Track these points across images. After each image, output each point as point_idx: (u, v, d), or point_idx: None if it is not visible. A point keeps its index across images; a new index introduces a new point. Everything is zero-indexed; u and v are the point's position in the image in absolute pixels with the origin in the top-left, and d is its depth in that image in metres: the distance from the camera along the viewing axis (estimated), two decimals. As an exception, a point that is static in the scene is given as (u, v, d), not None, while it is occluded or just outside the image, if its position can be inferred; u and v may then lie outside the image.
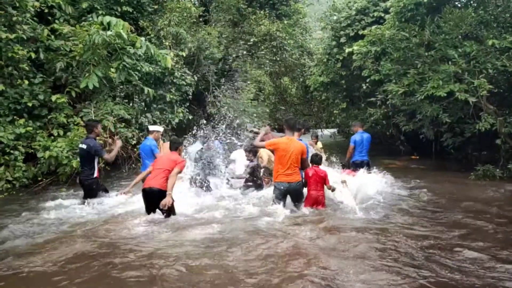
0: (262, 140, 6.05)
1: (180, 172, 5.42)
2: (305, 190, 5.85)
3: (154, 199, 5.13)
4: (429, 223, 5.10)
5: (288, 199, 5.70)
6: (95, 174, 6.21)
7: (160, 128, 7.33)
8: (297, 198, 5.72)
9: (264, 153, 7.06)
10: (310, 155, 6.19)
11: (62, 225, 5.14)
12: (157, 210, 5.19)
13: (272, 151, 5.79)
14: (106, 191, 6.60)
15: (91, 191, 6.22)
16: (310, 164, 5.89)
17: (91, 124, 6.47)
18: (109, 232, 4.75)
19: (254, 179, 7.03)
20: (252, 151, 7.02)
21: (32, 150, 7.33)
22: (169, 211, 5.17)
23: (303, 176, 5.82)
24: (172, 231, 4.75)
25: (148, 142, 6.88)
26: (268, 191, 6.32)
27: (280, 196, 5.58)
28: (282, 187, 5.52)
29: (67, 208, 5.95)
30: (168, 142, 6.11)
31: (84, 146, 6.11)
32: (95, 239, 4.45)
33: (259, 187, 6.97)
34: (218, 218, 5.35)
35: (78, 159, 6.96)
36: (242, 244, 4.19)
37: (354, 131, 8.51)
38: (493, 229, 4.84)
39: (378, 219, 5.25)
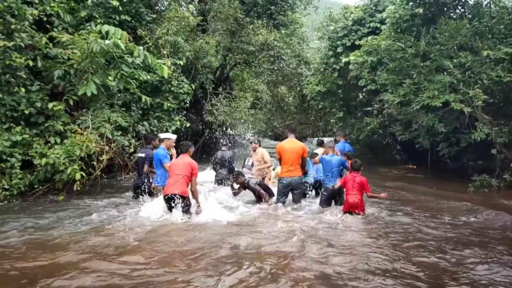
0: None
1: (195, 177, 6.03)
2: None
3: (174, 202, 5.73)
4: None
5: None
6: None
7: (171, 136, 7.00)
8: (297, 193, 6.55)
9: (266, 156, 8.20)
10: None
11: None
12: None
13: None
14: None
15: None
16: (347, 172, 6.37)
17: (149, 137, 7.52)
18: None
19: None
20: (239, 182, 7.11)
21: (29, 157, 7.29)
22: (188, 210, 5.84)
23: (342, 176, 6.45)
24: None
25: (161, 152, 6.62)
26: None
27: (283, 189, 6.50)
28: (284, 181, 6.46)
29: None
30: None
31: (142, 155, 7.05)
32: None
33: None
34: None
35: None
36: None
37: (337, 140, 8.66)
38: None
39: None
